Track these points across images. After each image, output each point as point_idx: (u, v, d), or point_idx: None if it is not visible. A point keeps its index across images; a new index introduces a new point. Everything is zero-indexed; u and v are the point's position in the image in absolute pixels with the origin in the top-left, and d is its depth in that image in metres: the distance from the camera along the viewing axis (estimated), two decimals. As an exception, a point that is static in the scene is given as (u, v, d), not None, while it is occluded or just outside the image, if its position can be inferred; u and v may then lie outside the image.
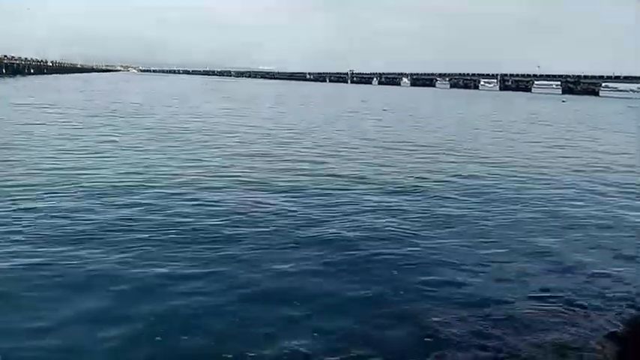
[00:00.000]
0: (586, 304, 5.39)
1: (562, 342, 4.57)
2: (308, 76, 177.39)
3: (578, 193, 11.27)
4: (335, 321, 4.80)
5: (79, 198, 8.50)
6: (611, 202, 10.49)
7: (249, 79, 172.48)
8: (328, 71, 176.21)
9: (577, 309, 5.27)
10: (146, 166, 11.49)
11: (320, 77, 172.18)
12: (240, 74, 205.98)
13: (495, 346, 4.46)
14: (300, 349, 4.27)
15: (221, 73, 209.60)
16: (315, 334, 4.51)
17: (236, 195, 9.31)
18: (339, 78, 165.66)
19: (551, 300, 5.48)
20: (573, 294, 5.64)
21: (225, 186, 9.98)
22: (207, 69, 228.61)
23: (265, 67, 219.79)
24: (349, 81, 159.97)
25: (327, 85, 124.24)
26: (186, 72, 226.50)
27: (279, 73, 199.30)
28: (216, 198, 8.96)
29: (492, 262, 6.62)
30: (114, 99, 36.18)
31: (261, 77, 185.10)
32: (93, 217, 7.49)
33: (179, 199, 8.79)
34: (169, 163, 12.19)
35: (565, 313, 5.16)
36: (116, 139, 15.75)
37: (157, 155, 13.13)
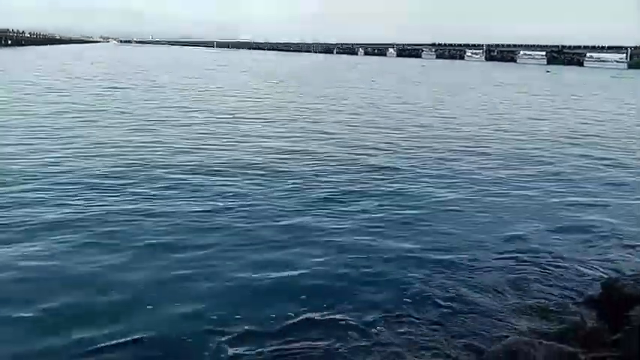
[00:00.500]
0: (564, 269, 5.63)
1: (542, 306, 4.78)
2: (292, 47, 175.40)
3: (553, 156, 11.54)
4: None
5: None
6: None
7: (235, 49, 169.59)
8: (313, 41, 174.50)
9: (556, 273, 5.50)
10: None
11: (306, 48, 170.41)
12: (223, 45, 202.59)
13: (474, 309, 4.66)
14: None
15: (205, 44, 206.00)
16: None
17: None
18: (325, 49, 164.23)
19: (529, 265, 5.70)
20: (552, 258, 5.88)
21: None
22: (191, 40, 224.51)
23: (247, 38, 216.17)
24: (335, 51, 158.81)
25: (319, 56, 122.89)
26: (170, 43, 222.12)
27: (263, 43, 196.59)
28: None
29: (468, 220, 6.86)
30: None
31: (248, 48, 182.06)
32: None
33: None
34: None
35: (544, 278, 5.38)
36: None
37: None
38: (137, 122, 13.91)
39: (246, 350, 3.90)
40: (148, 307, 4.45)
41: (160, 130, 12.93)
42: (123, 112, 15.57)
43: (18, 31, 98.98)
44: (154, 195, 7.46)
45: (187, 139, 11.79)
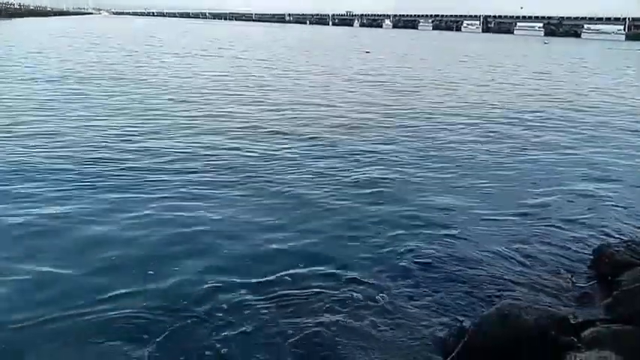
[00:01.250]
0: (559, 235, 5.70)
1: (536, 271, 4.85)
2: (287, 18, 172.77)
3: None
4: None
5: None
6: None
7: (227, 21, 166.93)
8: (308, 13, 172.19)
9: (551, 238, 5.58)
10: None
11: (300, 19, 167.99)
12: (215, 16, 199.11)
13: (468, 274, 4.73)
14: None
15: (196, 15, 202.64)
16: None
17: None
18: (319, 20, 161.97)
19: (525, 231, 5.78)
20: (548, 224, 5.96)
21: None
22: (183, 11, 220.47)
23: (241, 9, 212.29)
24: (330, 23, 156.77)
25: (312, 28, 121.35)
26: (161, 14, 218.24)
27: (257, 14, 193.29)
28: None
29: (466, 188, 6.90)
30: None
31: (237, 19, 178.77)
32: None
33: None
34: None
35: (539, 243, 5.45)
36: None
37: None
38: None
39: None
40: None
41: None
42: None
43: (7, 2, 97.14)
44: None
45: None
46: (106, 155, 7.84)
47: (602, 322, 3.83)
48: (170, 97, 13.66)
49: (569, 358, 3.35)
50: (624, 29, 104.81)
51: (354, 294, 4.29)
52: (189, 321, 3.84)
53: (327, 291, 4.32)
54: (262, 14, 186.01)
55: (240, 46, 37.89)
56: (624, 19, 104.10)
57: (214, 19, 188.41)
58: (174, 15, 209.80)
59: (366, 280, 4.51)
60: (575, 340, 3.62)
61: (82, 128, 9.52)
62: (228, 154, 8.29)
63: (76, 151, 7.94)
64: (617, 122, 13.34)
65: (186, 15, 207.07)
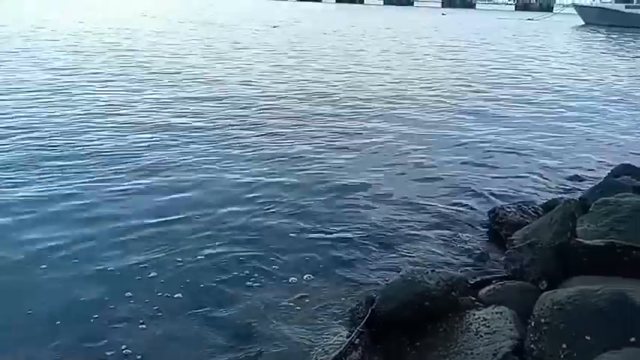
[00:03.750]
0: (458, 203, 6.03)
1: (438, 236, 5.11)
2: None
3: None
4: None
5: None
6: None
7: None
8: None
9: (452, 207, 5.88)
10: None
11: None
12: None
13: (377, 248, 4.88)
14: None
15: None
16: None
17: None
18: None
19: (427, 201, 6.04)
20: (449, 195, 6.26)
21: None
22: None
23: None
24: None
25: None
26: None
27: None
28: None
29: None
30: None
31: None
32: None
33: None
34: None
35: (439, 212, 5.74)
36: None
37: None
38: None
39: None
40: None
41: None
42: None
43: None
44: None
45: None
46: None
47: (497, 280, 4.11)
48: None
49: (469, 316, 3.56)
50: (513, 0, 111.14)
51: (258, 275, 4.30)
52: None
53: (239, 275, 4.29)
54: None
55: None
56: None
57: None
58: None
59: (273, 263, 4.50)
60: (474, 299, 3.86)
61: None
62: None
63: None
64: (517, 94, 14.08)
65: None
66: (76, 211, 5.32)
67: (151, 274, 4.24)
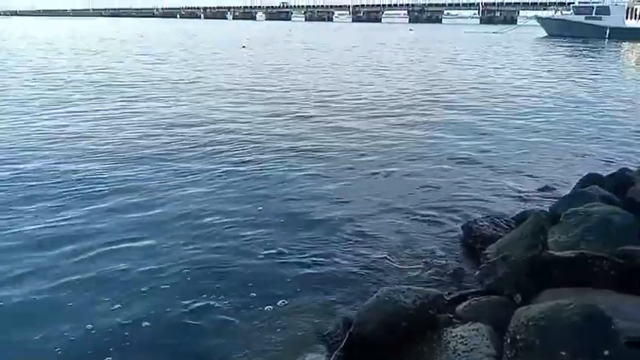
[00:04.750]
0: (432, 217, 6.07)
1: (413, 254, 5.11)
2: (156, 12, 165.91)
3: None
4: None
5: None
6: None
7: (92, 18, 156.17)
8: (178, 6, 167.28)
9: (424, 222, 5.92)
10: None
11: (168, 13, 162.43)
12: (78, 14, 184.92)
13: (348, 268, 4.85)
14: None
15: (58, 14, 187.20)
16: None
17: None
18: (191, 13, 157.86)
19: (398, 217, 6.06)
20: (422, 209, 6.30)
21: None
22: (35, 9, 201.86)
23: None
24: (202, 16, 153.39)
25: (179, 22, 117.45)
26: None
27: (125, 10, 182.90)
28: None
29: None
30: None
31: (102, 16, 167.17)
32: None
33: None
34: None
35: (414, 227, 5.76)
36: None
37: None
38: None
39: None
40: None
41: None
42: None
43: None
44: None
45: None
46: None
47: (473, 295, 4.12)
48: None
49: (446, 334, 3.56)
50: (479, 13, 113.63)
51: (230, 304, 4.22)
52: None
53: (210, 305, 4.22)
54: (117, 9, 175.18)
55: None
56: (478, 4, 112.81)
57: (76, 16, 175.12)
58: (25, 14, 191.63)
59: (245, 290, 4.43)
60: (451, 316, 3.86)
61: None
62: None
63: None
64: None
65: (38, 13, 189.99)
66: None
67: (115, 307, 4.13)
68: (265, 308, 4.16)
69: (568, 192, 6.30)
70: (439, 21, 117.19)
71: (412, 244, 5.32)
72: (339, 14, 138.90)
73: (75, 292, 4.35)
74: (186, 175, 7.35)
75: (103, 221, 5.73)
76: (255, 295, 4.34)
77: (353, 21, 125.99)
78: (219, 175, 7.39)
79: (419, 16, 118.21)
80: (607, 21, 52.76)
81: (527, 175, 7.77)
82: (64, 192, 6.56)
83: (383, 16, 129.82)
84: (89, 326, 3.86)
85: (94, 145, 8.93)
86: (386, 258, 4.99)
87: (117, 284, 4.47)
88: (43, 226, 5.55)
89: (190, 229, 5.60)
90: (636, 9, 53.98)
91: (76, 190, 6.67)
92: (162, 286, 4.43)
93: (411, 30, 75.26)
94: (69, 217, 5.81)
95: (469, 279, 4.58)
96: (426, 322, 3.68)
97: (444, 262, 4.92)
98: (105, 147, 8.82)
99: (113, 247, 5.13)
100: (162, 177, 7.27)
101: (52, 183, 6.89)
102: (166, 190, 6.77)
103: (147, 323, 3.91)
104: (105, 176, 7.23)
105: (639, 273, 3.61)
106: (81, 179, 7.08)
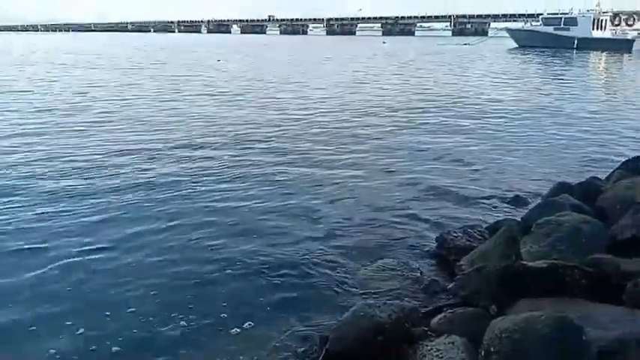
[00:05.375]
0: (405, 229, 6.07)
1: (387, 267, 5.09)
2: (130, 27, 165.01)
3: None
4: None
5: None
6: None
7: (62, 33, 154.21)
8: (151, 20, 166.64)
9: (398, 234, 5.92)
10: None
11: (143, 27, 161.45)
12: (49, 28, 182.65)
13: (323, 283, 4.81)
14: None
15: (25, 29, 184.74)
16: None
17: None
18: (164, 27, 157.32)
19: (372, 230, 6.08)
20: (394, 220, 6.31)
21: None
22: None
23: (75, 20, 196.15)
24: (176, 30, 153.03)
25: (170, 36, 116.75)
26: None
27: (96, 24, 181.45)
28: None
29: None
30: None
31: (74, 31, 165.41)
32: None
33: None
34: None
35: (387, 240, 5.76)
36: None
37: None
38: None
39: None
40: None
41: None
42: None
43: None
44: None
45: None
46: None
47: (448, 308, 4.12)
48: None
49: (422, 347, 3.55)
50: (450, 26, 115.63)
51: (202, 329, 4.10)
52: None
53: (183, 322, 4.14)
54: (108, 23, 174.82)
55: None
56: (450, 16, 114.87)
57: (48, 31, 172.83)
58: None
59: (217, 312, 4.33)
60: (427, 329, 3.85)
61: None
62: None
63: None
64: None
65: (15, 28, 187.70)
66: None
67: (80, 330, 4.01)
68: (239, 328, 4.07)
69: (539, 201, 6.38)
70: (412, 33, 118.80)
71: (385, 257, 5.29)
72: (313, 27, 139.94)
73: (38, 312, 4.22)
74: (158, 191, 7.25)
75: (70, 239, 5.60)
76: (226, 315, 4.26)
77: (327, 34, 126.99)
78: (186, 194, 7.20)
79: (392, 29, 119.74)
80: (575, 32, 54.24)
81: (499, 185, 7.85)
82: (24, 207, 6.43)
83: (357, 29, 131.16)
84: (52, 351, 3.74)
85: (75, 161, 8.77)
86: (360, 272, 4.96)
87: (81, 304, 4.35)
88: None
89: (160, 246, 5.49)
90: (602, 20, 55.73)
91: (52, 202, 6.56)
92: (130, 308, 4.31)
93: (384, 42, 76.11)
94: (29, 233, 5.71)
95: (444, 291, 4.58)
96: (402, 336, 3.67)
97: (418, 274, 4.91)
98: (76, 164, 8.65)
99: (77, 264, 5.02)
100: (132, 195, 7.13)
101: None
102: (134, 208, 6.65)
103: (115, 348, 3.80)
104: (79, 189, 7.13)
105: (608, 281, 3.66)
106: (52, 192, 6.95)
